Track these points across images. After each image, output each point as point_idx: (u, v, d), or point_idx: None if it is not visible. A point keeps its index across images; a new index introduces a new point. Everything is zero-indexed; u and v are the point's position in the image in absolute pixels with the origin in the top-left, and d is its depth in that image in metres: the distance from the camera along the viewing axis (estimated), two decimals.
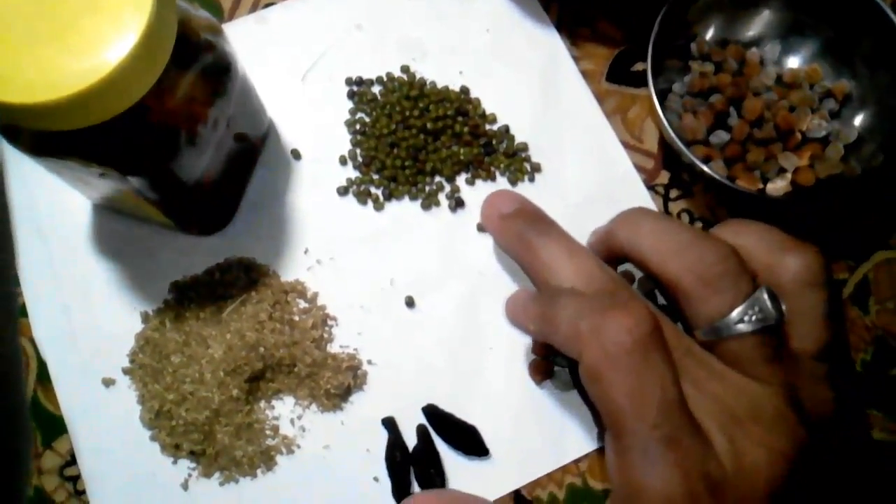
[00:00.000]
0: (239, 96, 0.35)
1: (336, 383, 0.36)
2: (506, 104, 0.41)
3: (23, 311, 0.38)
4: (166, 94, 0.30)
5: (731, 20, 0.41)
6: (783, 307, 0.26)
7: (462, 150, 0.40)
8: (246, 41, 0.41)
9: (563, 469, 0.36)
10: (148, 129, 0.30)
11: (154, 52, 0.27)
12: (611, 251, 0.30)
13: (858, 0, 0.38)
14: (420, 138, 0.40)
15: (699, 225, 0.40)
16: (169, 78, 0.29)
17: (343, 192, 0.40)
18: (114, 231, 0.39)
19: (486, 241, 0.39)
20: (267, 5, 0.43)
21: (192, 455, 0.36)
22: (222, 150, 0.36)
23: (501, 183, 0.40)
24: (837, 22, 0.39)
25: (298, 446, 0.37)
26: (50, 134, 0.28)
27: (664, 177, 0.41)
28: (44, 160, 0.31)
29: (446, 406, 0.37)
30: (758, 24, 0.41)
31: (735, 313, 0.25)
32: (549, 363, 0.37)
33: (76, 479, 0.36)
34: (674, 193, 0.41)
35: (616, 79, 0.42)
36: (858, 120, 0.39)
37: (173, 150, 0.31)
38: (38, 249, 0.39)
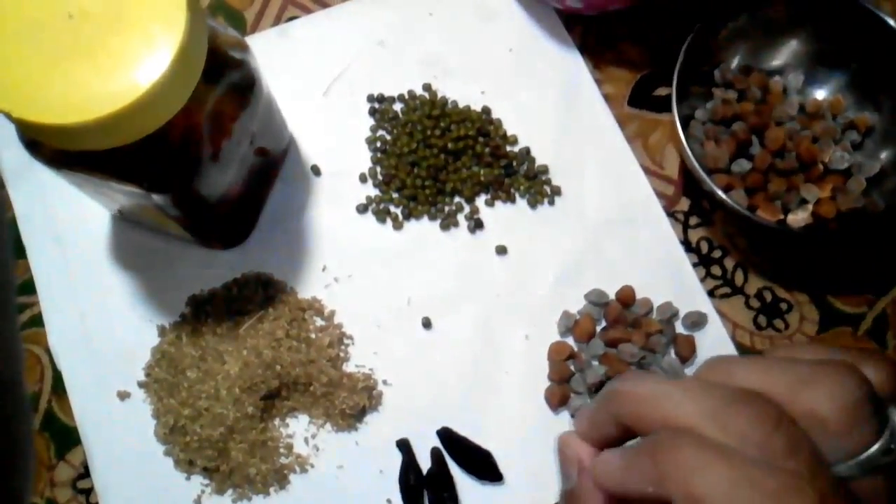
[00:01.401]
0: (263, 112, 0.35)
1: (351, 403, 0.36)
2: (527, 125, 0.41)
3: (39, 321, 0.38)
4: (193, 112, 0.30)
5: (756, 49, 0.41)
6: None
7: (482, 171, 0.40)
8: (268, 54, 0.41)
9: None
10: (173, 147, 0.30)
11: (186, 73, 0.27)
12: None
13: (887, 36, 0.38)
14: (441, 158, 0.40)
15: (718, 253, 0.40)
16: (197, 96, 0.29)
17: (362, 209, 0.40)
18: (132, 242, 0.39)
19: (504, 263, 0.39)
20: (290, 19, 0.43)
21: (206, 471, 0.36)
22: (244, 165, 0.36)
23: (521, 205, 0.40)
24: (864, 56, 0.39)
25: (312, 465, 0.36)
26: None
27: (684, 203, 0.41)
28: (65, 173, 0.31)
29: (461, 429, 0.37)
30: (784, 53, 0.41)
31: (880, 443, 0.22)
32: (566, 389, 0.37)
33: (89, 491, 0.36)
34: (693, 221, 0.40)
35: (638, 103, 0.42)
36: (882, 154, 0.39)
37: (198, 168, 0.31)
38: (55, 259, 0.39)
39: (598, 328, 0.38)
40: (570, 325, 0.38)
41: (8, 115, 0.26)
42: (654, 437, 0.21)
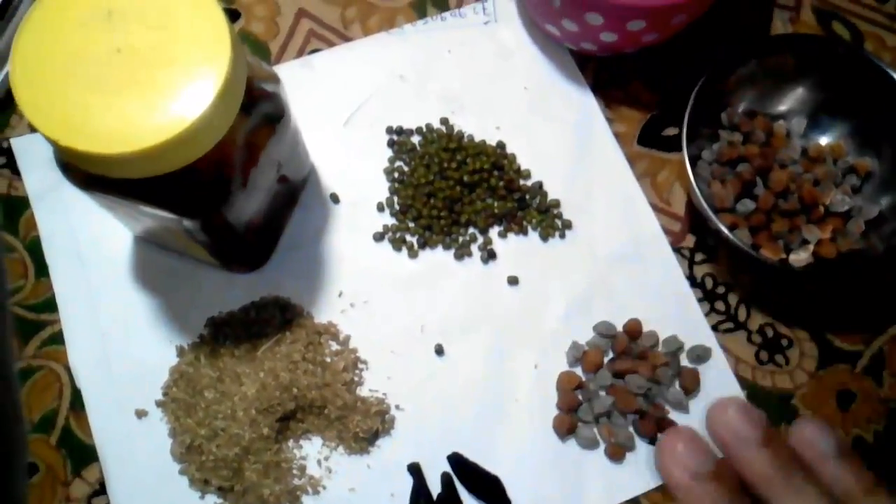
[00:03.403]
0: (289, 142, 0.36)
1: (365, 427, 0.37)
2: (540, 161, 0.43)
3: (60, 338, 0.39)
4: (227, 142, 0.31)
5: (762, 94, 0.43)
6: None
7: (496, 204, 0.42)
8: (291, 85, 0.42)
9: None
10: (206, 176, 0.31)
11: (226, 107, 0.28)
12: None
13: (889, 87, 0.39)
14: (456, 190, 0.41)
15: (722, 289, 0.41)
16: (231, 127, 0.30)
17: (379, 237, 0.41)
18: (152, 263, 0.40)
19: (516, 293, 0.41)
20: (313, 51, 0.45)
21: (220, 491, 0.37)
22: (268, 192, 0.37)
23: (533, 237, 0.42)
24: (867, 105, 0.41)
25: (324, 487, 0.37)
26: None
27: (690, 240, 0.42)
28: (96, 196, 0.32)
29: (471, 454, 0.38)
30: (789, 99, 0.43)
31: None
32: (574, 419, 0.38)
33: None
34: (699, 257, 0.42)
35: (647, 142, 0.44)
36: (883, 200, 0.40)
37: (227, 196, 0.32)
38: (77, 278, 0.40)
39: (606, 359, 0.39)
40: (578, 355, 0.39)
41: (55, 144, 0.27)
42: None
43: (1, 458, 0.38)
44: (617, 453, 0.38)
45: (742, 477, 0.28)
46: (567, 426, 0.38)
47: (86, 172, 0.31)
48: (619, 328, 0.40)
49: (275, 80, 0.34)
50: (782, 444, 0.27)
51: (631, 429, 0.38)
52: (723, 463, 0.28)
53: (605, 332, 0.39)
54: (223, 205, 0.33)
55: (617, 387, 0.38)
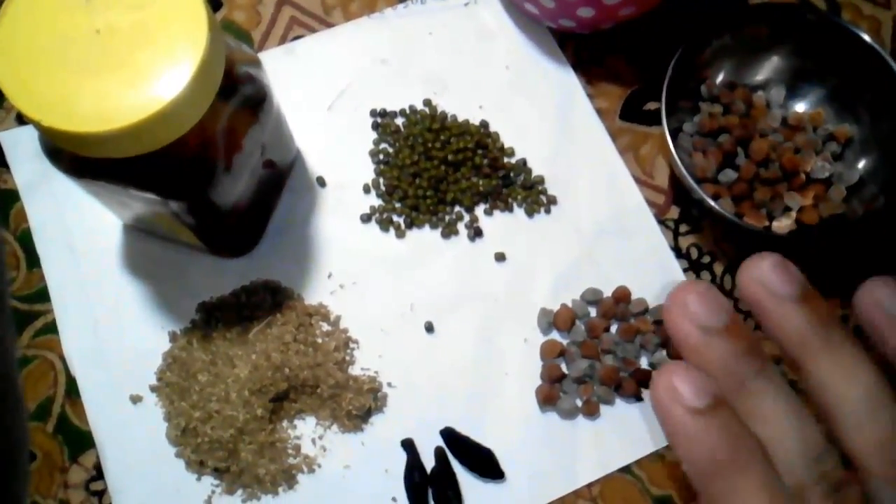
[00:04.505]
0: (272, 126, 0.37)
1: (357, 405, 0.38)
2: (524, 138, 0.43)
3: (53, 328, 0.39)
4: (209, 124, 0.31)
5: (740, 65, 0.43)
6: None
7: (481, 182, 0.42)
8: (275, 71, 0.42)
9: (576, 493, 0.37)
10: (189, 157, 0.31)
11: (204, 86, 0.29)
12: None
13: (864, 52, 0.40)
14: (441, 169, 0.42)
15: (707, 259, 0.42)
16: (213, 108, 0.30)
17: (366, 219, 0.42)
18: (143, 251, 0.41)
19: (503, 269, 0.41)
20: (295, 38, 0.45)
21: (216, 472, 0.37)
22: (254, 176, 0.37)
23: (518, 214, 0.42)
24: (843, 71, 0.41)
25: (319, 465, 0.38)
26: (94, 158, 0.30)
27: (674, 212, 0.43)
28: (84, 182, 0.33)
29: (463, 429, 0.38)
30: (766, 69, 0.43)
31: None
32: (555, 389, 0.38)
33: (102, 493, 0.37)
34: (683, 228, 0.42)
35: (629, 117, 0.44)
36: (861, 163, 0.41)
37: (212, 177, 0.33)
38: (69, 268, 0.40)
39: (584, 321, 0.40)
40: (550, 319, 0.39)
41: (38, 125, 0.27)
42: None
43: (2, 456, 0.38)
44: (593, 410, 0.38)
45: (774, 338, 0.25)
46: (545, 395, 0.38)
47: (73, 158, 0.31)
48: (607, 296, 0.40)
49: (256, 63, 0.34)
50: (822, 302, 0.24)
51: (613, 392, 0.38)
52: (738, 320, 0.24)
53: (592, 297, 0.40)
54: (208, 186, 0.33)
55: (589, 344, 0.39)
